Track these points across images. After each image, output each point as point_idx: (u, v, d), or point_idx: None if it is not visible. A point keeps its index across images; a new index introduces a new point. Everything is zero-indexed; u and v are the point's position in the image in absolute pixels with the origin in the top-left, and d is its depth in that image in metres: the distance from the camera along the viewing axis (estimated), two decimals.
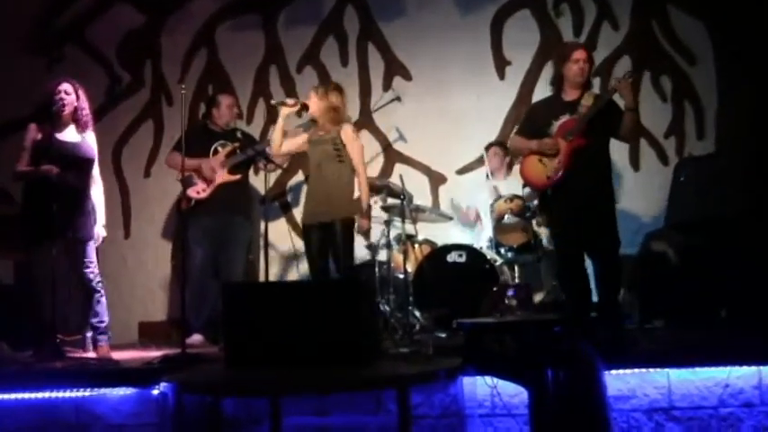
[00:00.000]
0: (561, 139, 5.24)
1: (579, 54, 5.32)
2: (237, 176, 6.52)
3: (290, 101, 5.83)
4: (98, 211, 5.68)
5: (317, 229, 5.70)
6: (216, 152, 6.54)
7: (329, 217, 5.63)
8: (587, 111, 5.22)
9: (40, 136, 5.45)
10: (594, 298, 5.42)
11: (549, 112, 5.41)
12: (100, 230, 5.67)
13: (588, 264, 5.36)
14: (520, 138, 5.57)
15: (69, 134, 5.53)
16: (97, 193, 5.70)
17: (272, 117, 7.60)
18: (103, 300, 5.60)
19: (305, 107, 5.85)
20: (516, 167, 6.88)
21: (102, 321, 5.58)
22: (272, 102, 5.98)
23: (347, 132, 5.78)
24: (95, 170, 5.71)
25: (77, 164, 5.50)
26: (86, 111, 5.60)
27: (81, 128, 5.56)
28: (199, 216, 6.40)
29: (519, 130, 5.65)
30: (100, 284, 5.58)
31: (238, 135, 6.70)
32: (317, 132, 5.82)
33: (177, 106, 7.16)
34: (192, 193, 6.39)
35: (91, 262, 5.54)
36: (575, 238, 5.28)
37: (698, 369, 4.47)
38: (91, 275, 5.53)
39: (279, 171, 6.81)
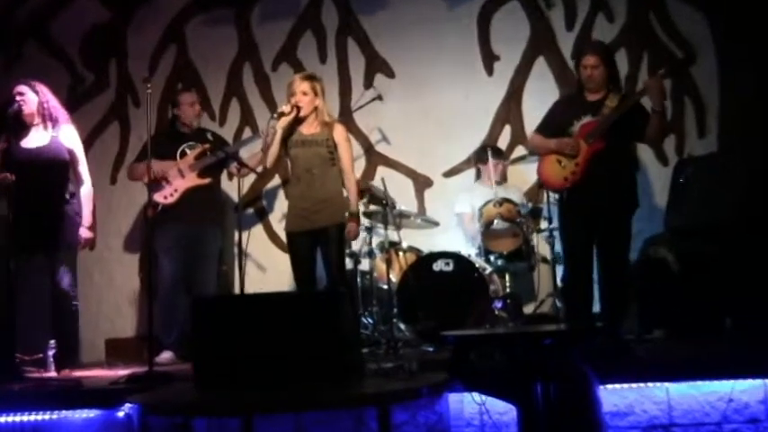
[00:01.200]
0: (582, 141, 5.30)
1: (586, 60, 5.43)
2: (207, 180, 6.47)
3: (286, 108, 5.66)
4: (84, 211, 5.69)
5: (304, 236, 5.67)
6: (184, 154, 6.51)
7: (322, 223, 5.59)
8: (611, 113, 5.29)
9: (5, 145, 5.50)
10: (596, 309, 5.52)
11: (572, 111, 5.49)
12: (83, 232, 5.69)
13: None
14: (539, 136, 5.64)
15: (35, 137, 5.57)
16: (84, 191, 5.75)
17: (245, 118, 7.62)
18: (75, 319, 5.62)
19: (298, 109, 5.67)
20: (511, 173, 6.95)
21: (65, 345, 5.60)
22: (274, 116, 5.68)
23: (341, 132, 5.74)
24: (81, 167, 5.74)
25: (45, 168, 5.51)
26: (50, 104, 5.64)
27: (51, 123, 5.58)
28: (167, 224, 6.32)
29: (539, 128, 5.70)
30: (75, 300, 5.60)
31: (208, 136, 6.67)
32: (302, 132, 5.74)
33: (145, 107, 7.14)
34: (158, 198, 6.31)
35: (66, 273, 5.55)
36: (586, 242, 5.39)
37: (700, 383, 4.47)
38: (65, 288, 5.54)
39: (253, 176, 6.80)
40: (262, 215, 7.59)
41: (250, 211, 7.55)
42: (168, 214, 6.35)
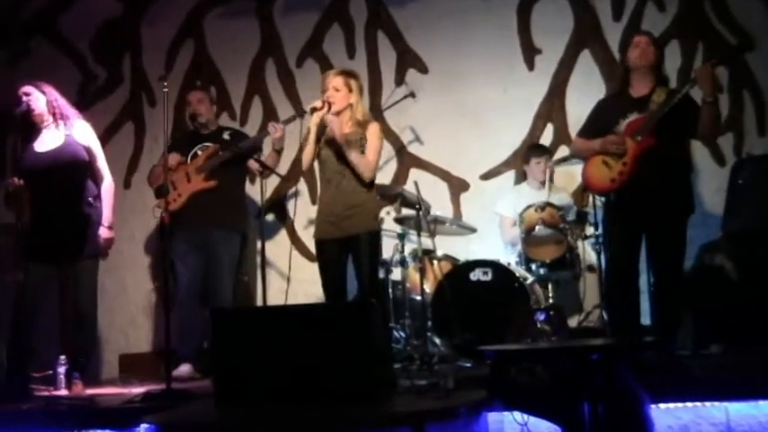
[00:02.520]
0: (629, 139, 5.29)
1: (639, 38, 5.43)
2: (212, 183, 6.37)
3: (317, 103, 5.67)
4: (104, 209, 5.75)
5: (334, 244, 5.67)
6: (196, 156, 6.50)
7: (352, 230, 5.59)
8: (659, 107, 5.27)
9: (13, 151, 5.59)
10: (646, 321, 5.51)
11: (616, 109, 5.46)
12: (102, 231, 5.73)
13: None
14: (582, 139, 5.64)
15: (48, 139, 5.62)
16: (104, 188, 5.80)
17: (269, 117, 7.62)
18: (95, 331, 5.68)
19: (329, 105, 5.67)
20: (555, 175, 6.92)
21: (86, 357, 5.66)
22: (306, 110, 5.77)
23: (374, 130, 5.71)
24: (99, 163, 5.79)
25: (64, 170, 5.58)
26: (58, 101, 5.69)
27: (63, 121, 5.63)
28: (178, 231, 6.26)
29: (581, 132, 5.69)
30: (95, 314, 5.67)
31: (225, 136, 6.63)
32: (335, 132, 5.72)
33: (161, 106, 7.17)
34: (162, 203, 6.19)
35: (87, 288, 5.63)
36: (633, 249, 5.37)
37: (762, 402, 4.39)
38: (85, 304, 5.61)
39: (276, 180, 6.79)
40: (285, 221, 7.61)
41: (273, 217, 7.56)
42: (178, 221, 6.22)
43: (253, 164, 6.44)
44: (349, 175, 5.62)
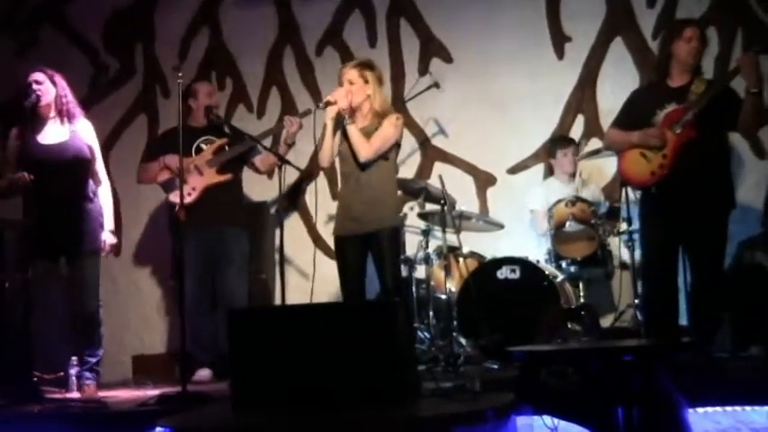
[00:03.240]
0: (668, 131, 5.26)
1: (692, 32, 5.38)
2: (228, 176, 6.40)
3: (331, 98, 5.64)
4: (105, 214, 5.79)
5: (354, 241, 5.67)
6: (200, 150, 6.46)
7: (373, 226, 5.59)
8: (698, 98, 5.25)
9: (19, 142, 5.57)
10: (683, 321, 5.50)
11: (653, 100, 5.45)
12: (107, 237, 5.78)
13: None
14: (617, 131, 5.60)
15: (53, 133, 5.63)
16: (103, 192, 5.84)
17: (287, 108, 7.62)
18: (102, 330, 5.71)
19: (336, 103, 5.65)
20: (586, 168, 6.89)
21: (94, 356, 5.69)
22: (320, 105, 5.72)
23: (391, 119, 5.67)
24: (98, 165, 5.83)
25: (68, 165, 5.60)
26: (68, 98, 5.70)
27: (68, 118, 5.65)
28: (186, 229, 6.08)
29: (616, 122, 5.67)
30: (100, 312, 5.72)
31: (225, 130, 6.63)
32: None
33: (175, 98, 7.17)
34: (174, 198, 6.16)
35: (90, 284, 5.66)
36: (672, 246, 5.37)
37: None
38: (89, 301, 5.62)
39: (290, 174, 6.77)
40: (305, 217, 7.59)
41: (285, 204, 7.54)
42: (189, 217, 5.99)
43: (263, 159, 6.48)
44: (369, 169, 5.61)
